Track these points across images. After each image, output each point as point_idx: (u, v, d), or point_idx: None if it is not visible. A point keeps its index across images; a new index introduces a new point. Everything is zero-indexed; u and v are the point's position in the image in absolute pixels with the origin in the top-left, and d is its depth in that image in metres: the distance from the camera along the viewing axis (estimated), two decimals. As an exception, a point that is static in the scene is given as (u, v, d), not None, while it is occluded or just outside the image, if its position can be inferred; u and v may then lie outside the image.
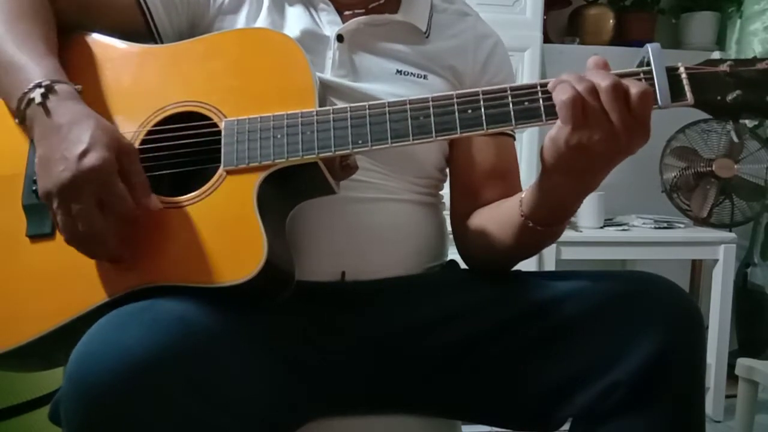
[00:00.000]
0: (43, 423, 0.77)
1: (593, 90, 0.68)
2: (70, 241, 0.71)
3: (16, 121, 0.76)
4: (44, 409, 0.98)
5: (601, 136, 0.68)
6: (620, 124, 0.68)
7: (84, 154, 0.69)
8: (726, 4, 2.55)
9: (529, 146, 2.06)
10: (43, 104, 0.73)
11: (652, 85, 0.70)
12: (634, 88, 0.68)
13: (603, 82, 0.68)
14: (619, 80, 0.68)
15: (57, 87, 0.74)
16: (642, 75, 0.71)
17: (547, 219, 0.80)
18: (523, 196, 0.82)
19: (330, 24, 0.91)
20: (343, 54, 0.90)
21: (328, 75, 0.88)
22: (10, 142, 0.82)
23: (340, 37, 0.90)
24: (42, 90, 0.73)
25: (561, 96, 0.68)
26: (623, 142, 0.69)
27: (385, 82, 0.90)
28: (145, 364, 0.59)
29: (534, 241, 0.85)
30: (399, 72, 0.92)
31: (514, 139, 0.99)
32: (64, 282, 0.75)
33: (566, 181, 0.74)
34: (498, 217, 0.88)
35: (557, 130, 0.70)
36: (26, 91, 0.74)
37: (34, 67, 0.76)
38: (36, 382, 1.18)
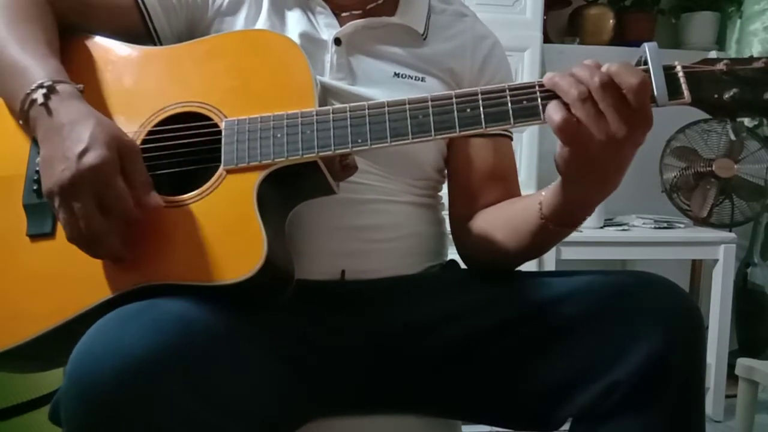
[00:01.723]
0: (43, 423, 0.77)
1: (583, 97, 0.67)
2: (72, 240, 0.71)
3: (20, 122, 0.77)
4: (44, 409, 0.98)
5: (603, 140, 0.68)
6: (619, 120, 0.67)
7: (84, 153, 0.69)
8: (726, 4, 2.55)
9: (529, 146, 2.06)
10: (45, 104, 0.73)
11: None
12: (632, 78, 0.67)
13: (592, 79, 0.67)
14: (608, 77, 0.67)
15: (59, 87, 0.74)
16: None
17: (570, 219, 0.80)
18: (542, 199, 0.81)
19: (327, 27, 0.91)
20: (341, 57, 0.90)
21: (326, 78, 0.88)
22: (10, 144, 0.82)
23: (337, 41, 0.90)
24: (44, 90, 0.73)
25: (554, 118, 0.68)
26: (626, 136, 0.68)
27: (383, 85, 0.90)
28: (145, 364, 0.59)
29: (547, 242, 0.86)
30: (397, 75, 0.92)
31: (511, 140, 0.99)
32: (63, 281, 0.75)
33: (586, 188, 0.75)
34: (511, 220, 0.87)
35: (561, 149, 0.71)
36: (29, 92, 0.74)
37: (36, 69, 0.76)
38: (36, 382, 1.18)
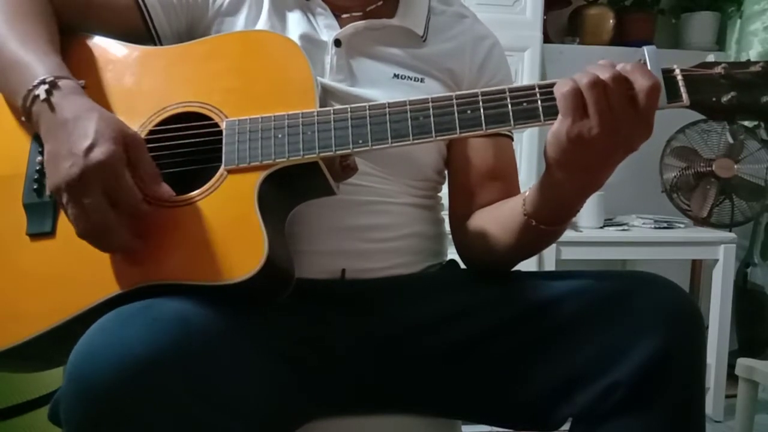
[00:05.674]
0: (43, 423, 0.78)
1: (594, 82, 0.68)
2: (83, 235, 0.71)
3: (23, 118, 0.77)
4: (44, 409, 0.98)
5: (602, 129, 0.69)
6: (622, 116, 0.68)
7: (90, 148, 0.69)
8: (726, 4, 2.55)
9: (529, 146, 2.06)
10: (47, 100, 0.73)
11: None
12: (645, 79, 0.68)
13: (604, 74, 0.68)
14: (620, 73, 0.69)
15: (60, 83, 0.75)
16: None
17: (550, 218, 0.80)
18: (526, 195, 0.82)
19: (327, 29, 0.91)
20: (340, 59, 0.90)
21: (326, 79, 0.88)
22: (9, 143, 0.82)
23: (337, 42, 0.90)
24: (46, 86, 0.73)
25: (561, 89, 0.70)
26: (624, 136, 0.69)
27: (383, 87, 0.90)
28: (146, 363, 0.59)
29: (535, 241, 0.85)
30: (396, 76, 0.92)
31: (512, 140, 0.99)
32: (63, 281, 0.75)
33: (569, 178, 0.74)
34: (500, 218, 0.88)
35: (558, 123, 0.71)
36: (31, 88, 0.74)
37: (38, 65, 0.76)
38: (36, 382, 1.18)
